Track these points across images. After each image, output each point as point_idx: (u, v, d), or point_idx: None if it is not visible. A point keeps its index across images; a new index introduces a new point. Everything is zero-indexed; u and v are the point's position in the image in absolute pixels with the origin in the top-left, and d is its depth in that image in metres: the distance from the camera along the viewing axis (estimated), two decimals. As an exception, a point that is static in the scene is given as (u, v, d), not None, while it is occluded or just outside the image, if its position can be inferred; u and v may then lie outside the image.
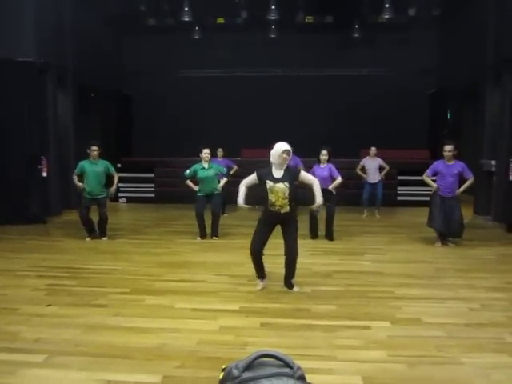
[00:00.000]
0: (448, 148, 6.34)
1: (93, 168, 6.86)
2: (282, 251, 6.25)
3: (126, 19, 12.21)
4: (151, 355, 3.16)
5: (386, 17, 11.10)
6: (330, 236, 7.03)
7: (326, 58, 12.73)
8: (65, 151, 9.59)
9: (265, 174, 4.40)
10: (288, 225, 4.44)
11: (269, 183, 4.32)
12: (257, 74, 12.87)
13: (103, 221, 7.03)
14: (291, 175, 4.37)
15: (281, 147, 4.29)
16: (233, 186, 7.36)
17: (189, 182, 7.20)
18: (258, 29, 12.28)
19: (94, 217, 7.05)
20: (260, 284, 4.60)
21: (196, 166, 7.09)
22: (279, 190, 4.29)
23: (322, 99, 12.60)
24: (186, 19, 11.26)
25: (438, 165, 6.52)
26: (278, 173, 4.35)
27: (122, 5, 11.32)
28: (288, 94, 12.61)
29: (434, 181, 6.56)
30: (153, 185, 11.39)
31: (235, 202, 4.64)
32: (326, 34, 12.47)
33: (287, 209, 4.34)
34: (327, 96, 12.61)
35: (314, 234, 7.09)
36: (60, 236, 7.24)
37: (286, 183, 4.29)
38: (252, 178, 4.52)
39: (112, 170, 7.09)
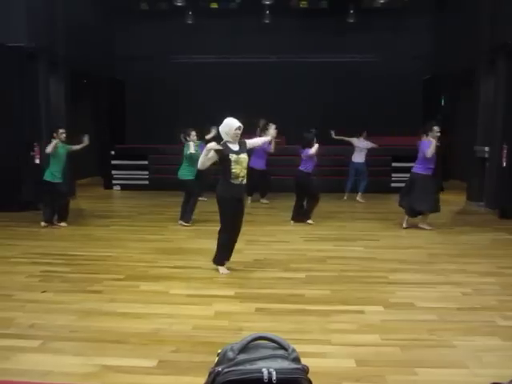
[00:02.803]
0: (437, 129, 6.54)
1: (62, 151, 6.92)
2: (276, 238, 6.29)
3: (118, 4, 12.03)
4: (146, 340, 3.18)
5: (381, 2, 11.02)
6: (306, 215, 7.15)
7: (320, 44, 12.62)
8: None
9: (226, 150, 4.54)
10: (242, 207, 4.71)
11: (233, 156, 4.51)
12: (251, 60, 12.74)
13: (64, 205, 6.99)
14: (245, 146, 4.63)
15: (234, 124, 4.53)
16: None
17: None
18: (251, 14, 12.14)
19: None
20: (226, 270, 4.74)
21: (186, 149, 7.01)
22: (243, 161, 4.58)
23: (315, 85, 12.52)
24: (179, 4, 11.12)
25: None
26: (234, 146, 4.57)
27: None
28: (282, 80, 12.52)
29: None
30: (147, 172, 11.33)
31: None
32: (321, 19, 12.35)
33: (245, 180, 4.61)
34: (321, 81, 12.53)
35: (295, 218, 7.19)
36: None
37: (245, 154, 4.60)
38: (211, 157, 4.62)
39: (70, 147, 7.07)
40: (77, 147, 7.23)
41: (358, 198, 9.32)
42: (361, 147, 9.19)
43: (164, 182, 10.83)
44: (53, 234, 6.50)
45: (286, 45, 12.54)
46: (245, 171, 4.57)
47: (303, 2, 11.90)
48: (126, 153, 11.36)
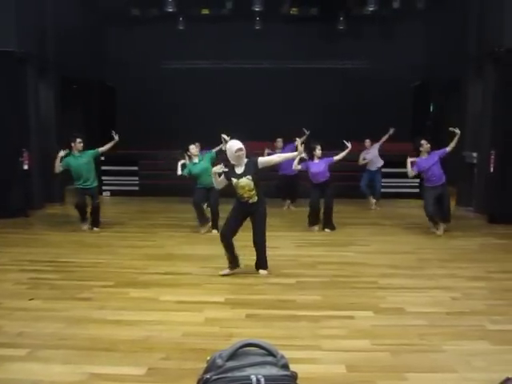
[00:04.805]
0: (425, 141, 6.78)
1: (78, 161, 6.84)
2: (267, 243, 6.27)
3: (109, 9, 12.01)
4: (136, 347, 3.15)
5: (371, 9, 11.12)
6: (329, 225, 7.10)
7: (310, 50, 12.70)
8: (46, 144, 9.43)
9: (230, 173, 4.70)
10: (256, 216, 4.74)
11: (233, 181, 4.63)
12: (242, 66, 12.79)
13: (96, 211, 7.08)
14: (251, 167, 4.62)
15: (233, 147, 4.58)
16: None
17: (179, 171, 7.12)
18: (243, 20, 12.19)
19: (76, 212, 7.01)
20: (226, 271, 4.81)
21: (189, 166, 7.02)
22: (244, 185, 4.60)
23: (306, 91, 12.59)
24: (170, 10, 11.13)
25: (420, 163, 6.77)
26: (239, 169, 4.64)
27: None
28: (273, 86, 12.56)
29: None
30: (137, 178, 11.29)
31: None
32: (311, 26, 12.45)
33: (255, 199, 4.64)
34: (311, 88, 12.60)
35: (313, 222, 7.14)
36: (43, 229, 7.14)
37: (248, 177, 4.58)
38: (222, 180, 4.80)
39: (97, 151, 7.05)
40: (107, 146, 7.10)
41: (376, 207, 9.24)
42: (370, 157, 9.20)
43: (154, 188, 10.80)
44: (42, 241, 6.44)
45: (277, 51, 12.59)
46: (250, 192, 4.60)
47: (294, 9, 11.98)
48: (116, 158, 11.30)
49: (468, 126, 9.28)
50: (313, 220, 7.18)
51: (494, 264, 5.24)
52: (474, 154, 8.86)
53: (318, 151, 7.10)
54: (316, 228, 7.16)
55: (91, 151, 6.99)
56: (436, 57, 11.75)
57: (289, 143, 9.10)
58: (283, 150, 9.08)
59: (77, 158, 6.84)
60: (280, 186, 9.18)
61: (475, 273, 4.90)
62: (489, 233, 7.00)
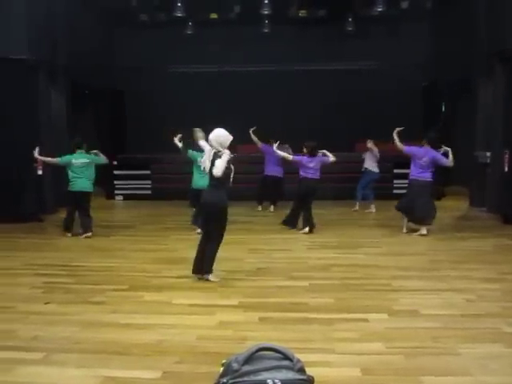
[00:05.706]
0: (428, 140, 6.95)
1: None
2: (278, 246, 6.28)
3: (118, 15, 12.13)
4: (150, 351, 3.16)
5: (379, 10, 11.08)
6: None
7: (319, 52, 12.69)
8: (58, 149, 9.50)
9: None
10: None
11: None
12: (251, 69, 12.81)
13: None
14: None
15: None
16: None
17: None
18: (251, 23, 12.22)
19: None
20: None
21: (194, 152, 7.05)
22: None
23: (315, 93, 12.57)
24: (179, 14, 11.20)
25: (413, 147, 7.08)
26: None
27: (114, 0, 11.22)
28: (282, 89, 12.56)
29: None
30: (149, 181, 11.35)
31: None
32: (320, 27, 12.43)
33: None
34: (321, 90, 12.57)
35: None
36: (56, 234, 7.20)
37: None
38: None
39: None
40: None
41: (372, 210, 9.10)
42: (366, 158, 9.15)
43: (167, 192, 10.84)
44: (55, 245, 6.50)
45: (285, 54, 12.60)
46: None
47: (302, 11, 11.98)
48: (128, 162, 11.37)
49: (480, 126, 9.20)
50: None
51: (508, 265, 5.18)
52: (488, 154, 8.76)
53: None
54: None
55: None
56: (445, 57, 11.66)
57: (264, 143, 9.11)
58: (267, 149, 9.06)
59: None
60: (263, 188, 9.17)
61: (489, 274, 4.85)
62: (502, 234, 6.92)
